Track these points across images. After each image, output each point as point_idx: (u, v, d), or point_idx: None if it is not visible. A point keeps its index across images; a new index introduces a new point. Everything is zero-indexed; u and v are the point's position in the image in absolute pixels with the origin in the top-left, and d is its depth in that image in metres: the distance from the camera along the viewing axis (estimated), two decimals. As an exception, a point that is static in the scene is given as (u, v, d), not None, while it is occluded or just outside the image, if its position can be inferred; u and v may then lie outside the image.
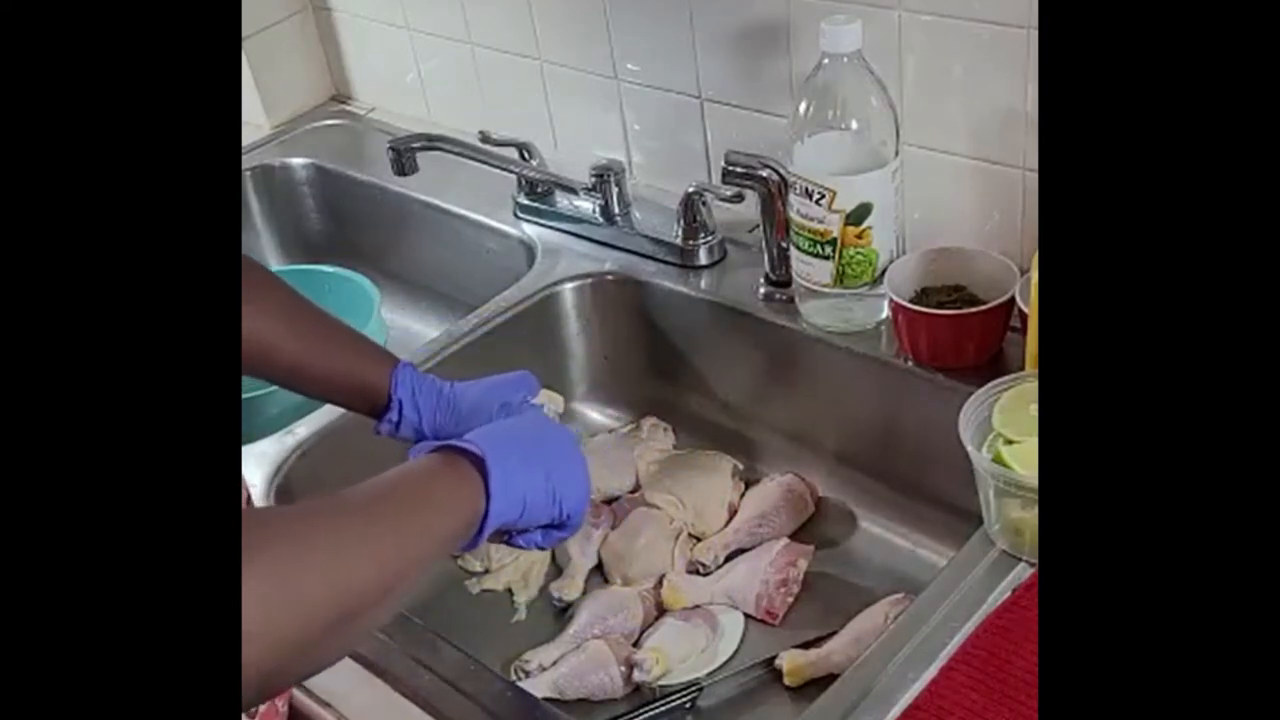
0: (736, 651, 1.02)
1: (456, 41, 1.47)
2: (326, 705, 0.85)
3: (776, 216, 1.11)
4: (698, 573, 1.08)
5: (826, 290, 1.07)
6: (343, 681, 0.86)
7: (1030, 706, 0.75)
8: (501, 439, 0.75)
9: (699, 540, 1.11)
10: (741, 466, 1.17)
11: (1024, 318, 0.97)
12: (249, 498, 0.84)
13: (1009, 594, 0.84)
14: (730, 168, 1.11)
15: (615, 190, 1.28)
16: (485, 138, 1.33)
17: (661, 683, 0.98)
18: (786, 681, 0.96)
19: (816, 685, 0.94)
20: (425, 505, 0.68)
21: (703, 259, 1.23)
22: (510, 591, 1.10)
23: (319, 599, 0.57)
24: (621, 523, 1.12)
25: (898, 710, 0.77)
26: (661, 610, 1.06)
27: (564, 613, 1.07)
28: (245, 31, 1.57)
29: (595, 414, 1.30)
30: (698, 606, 1.05)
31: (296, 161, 1.60)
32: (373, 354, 0.91)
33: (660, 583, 1.08)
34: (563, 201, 1.33)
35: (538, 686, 0.96)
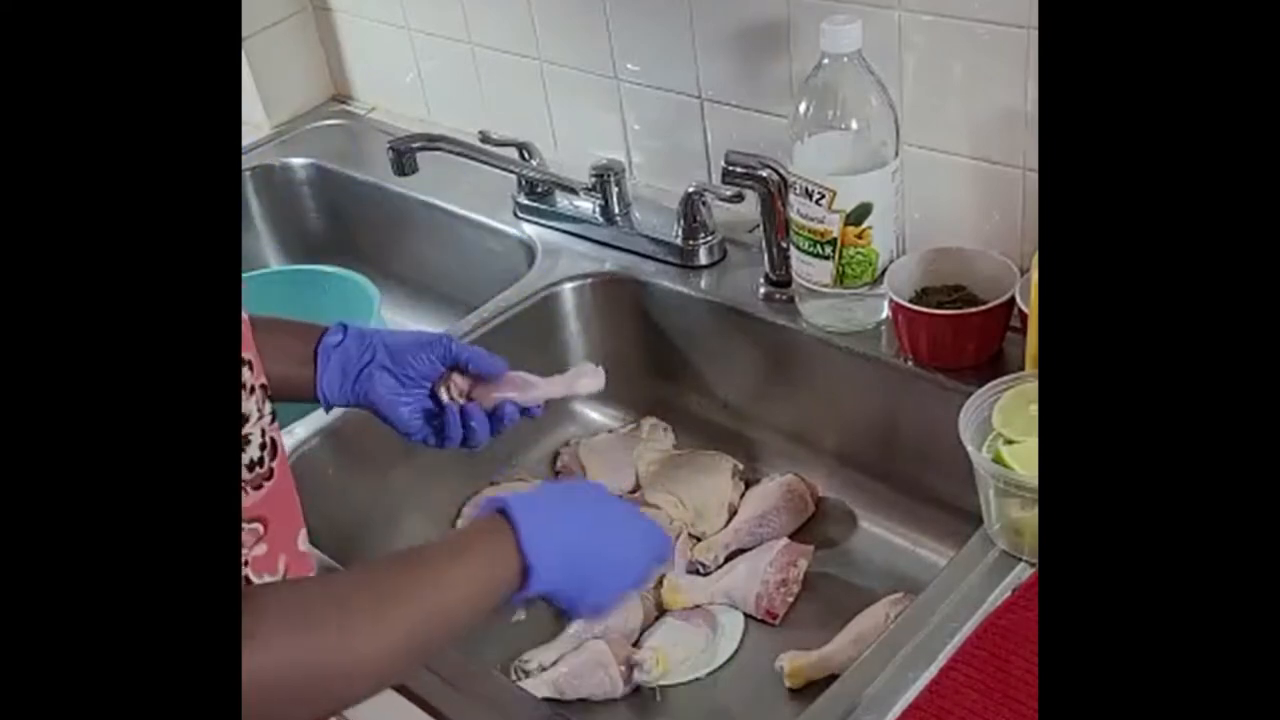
0: (736, 651, 1.02)
1: (456, 41, 1.47)
2: (326, 705, 0.85)
3: (776, 216, 1.11)
4: (698, 573, 1.08)
5: (826, 290, 1.07)
6: (343, 681, 0.86)
7: (1030, 706, 0.75)
8: (545, 502, 0.78)
9: (699, 540, 1.12)
10: (741, 466, 1.17)
11: (1024, 318, 0.97)
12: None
13: (1009, 594, 0.84)
14: (730, 168, 1.11)
15: (615, 190, 1.28)
16: (485, 138, 1.33)
17: (662, 683, 0.98)
18: (787, 682, 0.96)
19: (816, 685, 0.94)
20: (463, 555, 0.72)
21: (703, 259, 1.23)
22: (510, 591, 1.10)
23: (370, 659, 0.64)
24: (621, 523, 1.12)
25: (898, 710, 0.77)
26: (661, 610, 1.06)
27: (564, 613, 1.07)
28: (245, 31, 1.57)
29: (595, 414, 1.30)
30: (698, 606, 1.05)
31: (296, 161, 1.60)
32: (290, 347, 0.91)
33: (660, 583, 1.08)
34: (563, 201, 1.33)
35: (538, 686, 0.96)
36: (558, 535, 0.75)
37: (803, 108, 1.02)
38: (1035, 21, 0.96)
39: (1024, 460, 0.83)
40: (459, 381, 0.93)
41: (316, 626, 0.62)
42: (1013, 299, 0.99)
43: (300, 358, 0.90)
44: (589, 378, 0.98)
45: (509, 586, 0.73)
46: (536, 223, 1.34)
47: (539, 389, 0.95)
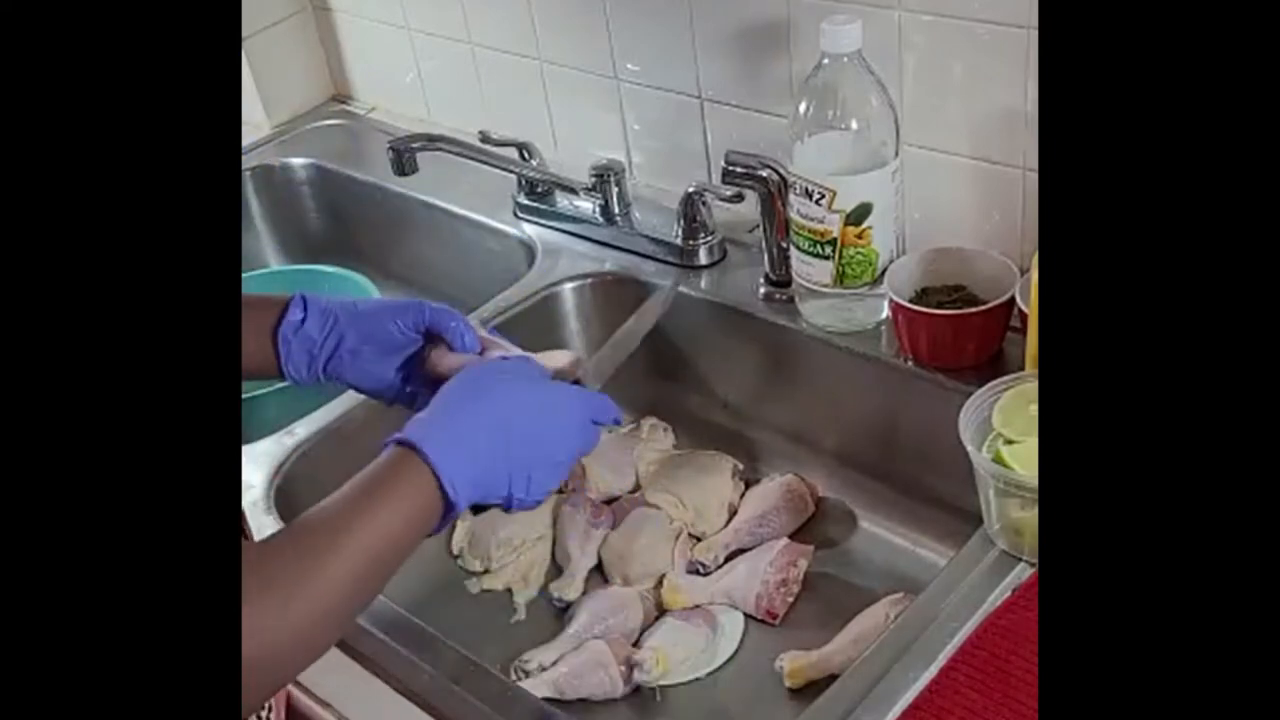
0: (736, 651, 1.02)
1: (456, 41, 1.47)
2: (326, 705, 0.85)
3: (776, 216, 1.11)
4: (698, 573, 1.08)
5: (826, 290, 1.07)
6: (343, 681, 0.86)
7: (1030, 706, 0.75)
8: (439, 420, 0.73)
9: (699, 540, 1.11)
10: (741, 466, 1.17)
11: (1024, 318, 0.97)
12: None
13: (1009, 594, 0.84)
14: (730, 168, 1.11)
15: (615, 190, 1.28)
16: (485, 138, 1.33)
17: (662, 683, 0.98)
18: (787, 682, 0.96)
19: (816, 685, 0.94)
20: (383, 504, 0.69)
21: (703, 259, 1.23)
22: (510, 591, 1.10)
23: (304, 613, 0.63)
24: (621, 523, 1.12)
25: (898, 710, 0.77)
26: (661, 610, 1.06)
27: (564, 613, 1.07)
28: (245, 31, 1.57)
29: (595, 414, 1.30)
30: (698, 606, 1.05)
31: (296, 161, 1.60)
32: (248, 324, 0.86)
33: (660, 583, 1.08)
34: (563, 201, 1.33)
35: (538, 686, 0.96)
36: (467, 447, 0.72)
37: (803, 108, 1.02)
38: (1035, 21, 0.96)
39: (1024, 460, 0.83)
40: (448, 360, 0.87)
41: (251, 600, 0.59)
42: (1013, 299, 0.99)
43: (260, 337, 0.85)
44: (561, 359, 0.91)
45: (433, 515, 0.71)
46: (536, 223, 1.34)
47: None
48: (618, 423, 0.85)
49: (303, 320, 0.85)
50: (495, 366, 0.81)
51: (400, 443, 0.72)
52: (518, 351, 0.87)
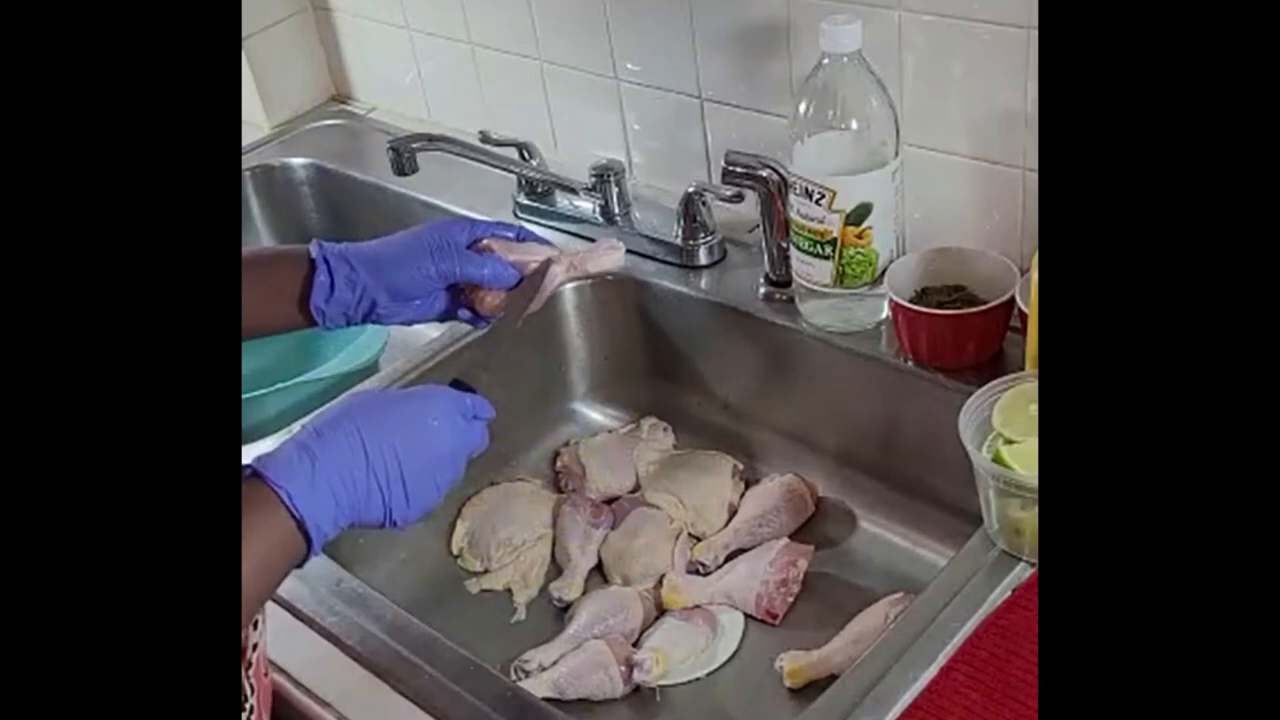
0: (736, 651, 1.02)
1: (456, 41, 1.47)
2: (326, 705, 0.85)
3: (776, 216, 1.11)
4: (698, 573, 1.08)
5: (826, 290, 1.07)
6: (343, 681, 0.86)
7: (1030, 706, 0.75)
8: (292, 451, 0.69)
9: (699, 540, 1.12)
10: (741, 466, 1.17)
11: (1024, 318, 0.97)
12: None
13: (1009, 594, 0.84)
14: (730, 168, 1.11)
15: (615, 190, 1.28)
16: (485, 138, 1.33)
17: (662, 683, 0.98)
18: (787, 682, 0.96)
19: (816, 685, 0.94)
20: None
21: (703, 259, 1.23)
22: (510, 591, 1.10)
23: None
24: (621, 523, 1.12)
25: (898, 710, 0.77)
26: (661, 610, 1.06)
27: (564, 613, 1.07)
28: (245, 31, 1.57)
29: (595, 414, 1.30)
30: (698, 606, 1.05)
31: (296, 161, 1.60)
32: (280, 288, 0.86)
33: (660, 583, 1.08)
34: (563, 201, 1.33)
35: (538, 686, 0.96)
36: (326, 483, 0.67)
37: (803, 108, 1.02)
38: (1035, 21, 0.96)
39: (1024, 460, 0.83)
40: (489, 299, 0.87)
41: None
42: (1013, 299, 0.99)
43: (285, 303, 0.85)
44: (606, 253, 0.92)
45: (294, 552, 0.67)
46: (536, 223, 1.34)
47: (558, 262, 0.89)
48: (489, 415, 0.80)
49: (330, 285, 0.84)
50: (367, 394, 0.76)
51: (253, 473, 0.67)
52: (548, 251, 0.88)
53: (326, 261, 0.85)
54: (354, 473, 0.69)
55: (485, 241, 0.88)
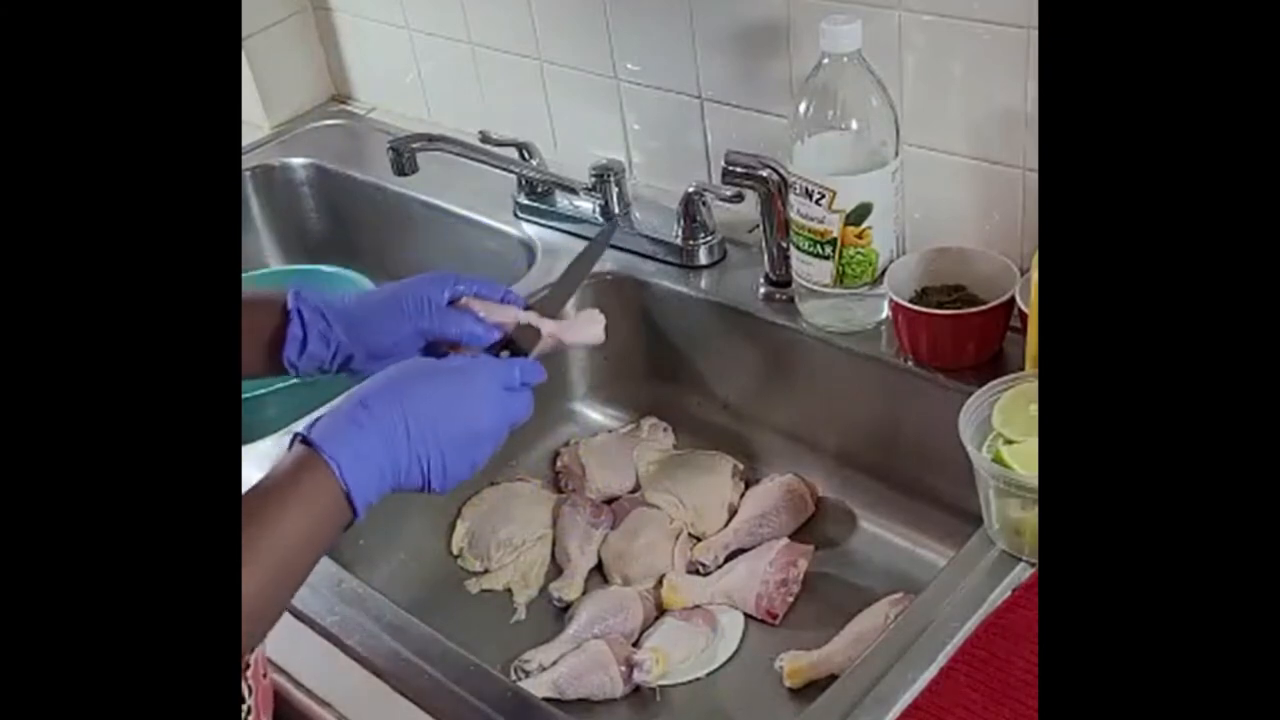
0: (736, 651, 1.02)
1: (456, 41, 1.47)
2: (326, 705, 0.85)
3: (776, 216, 1.11)
4: (698, 573, 1.08)
5: (826, 290, 1.07)
6: (343, 681, 0.86)
7: (1030, 706, 0.75)
8: (342, 422, 0.70)
9: (699, 540, 1.12)
10: (741, 466, 1.17)
11: (1024, 318, 0.97)
12: None
13: (1009, 594, 0.84)
14: (730, 168, 1.11)
15: (615, 190, 1.28)
16: (485, 138, 1.33)
17: (662, 683, 0.98)
18: (787, 682, 0.96)
19: (816, 685, 0.94)
20: (284, 511, 0.66)
21: (703, 259, 1.23)
22: (510, 591, 1.10)
23: None
24: (621, 523, 1.12)
25: (898, 710, 0.77)
26: (661, 610, 1.06)
27: (564, 613, 1.07)
28: (245, 31, 1.57)
29: (595, 414, 1.30)
30: (698, 606, 1.05)
31: (296, 161, 1.60)
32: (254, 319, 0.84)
33: (660, 583, 1.08)
34: (563, 201, 1.33)
35: (538, 686, 0.96)
36: (372, 455, 0.69)
37: (803, 108, 1.02)
38: (1035, 21, 0.96)
39: (1024, 460, 0.83)
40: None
41: None
42: (1013, 299, 0.99)
43: (255, 349, 0.83)
44: (586, 325, 0.91)
45: (341, 521, 0.69)
46: (536, 223, 1.34)
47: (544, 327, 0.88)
48: (539, 379, 0.81)
49: (304, 340, 0.83)
50: (410, 363, 0.78)
51: (304, 441, 0.69)
52: (529, 317, 0.87)
53: (300, 314, 0.84)
54: (396, 447, 0.71)
55: (464, 300, 0.87)
